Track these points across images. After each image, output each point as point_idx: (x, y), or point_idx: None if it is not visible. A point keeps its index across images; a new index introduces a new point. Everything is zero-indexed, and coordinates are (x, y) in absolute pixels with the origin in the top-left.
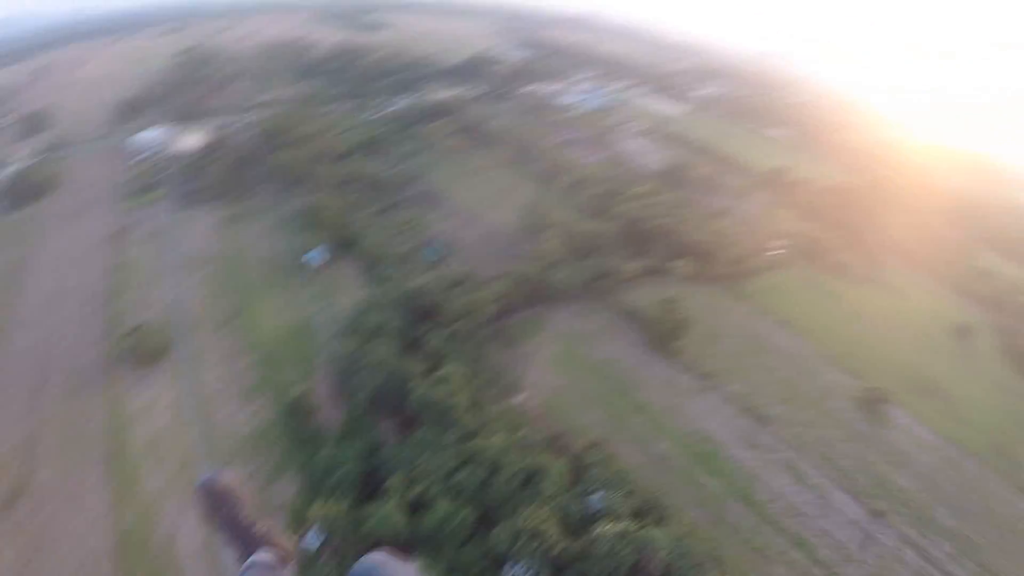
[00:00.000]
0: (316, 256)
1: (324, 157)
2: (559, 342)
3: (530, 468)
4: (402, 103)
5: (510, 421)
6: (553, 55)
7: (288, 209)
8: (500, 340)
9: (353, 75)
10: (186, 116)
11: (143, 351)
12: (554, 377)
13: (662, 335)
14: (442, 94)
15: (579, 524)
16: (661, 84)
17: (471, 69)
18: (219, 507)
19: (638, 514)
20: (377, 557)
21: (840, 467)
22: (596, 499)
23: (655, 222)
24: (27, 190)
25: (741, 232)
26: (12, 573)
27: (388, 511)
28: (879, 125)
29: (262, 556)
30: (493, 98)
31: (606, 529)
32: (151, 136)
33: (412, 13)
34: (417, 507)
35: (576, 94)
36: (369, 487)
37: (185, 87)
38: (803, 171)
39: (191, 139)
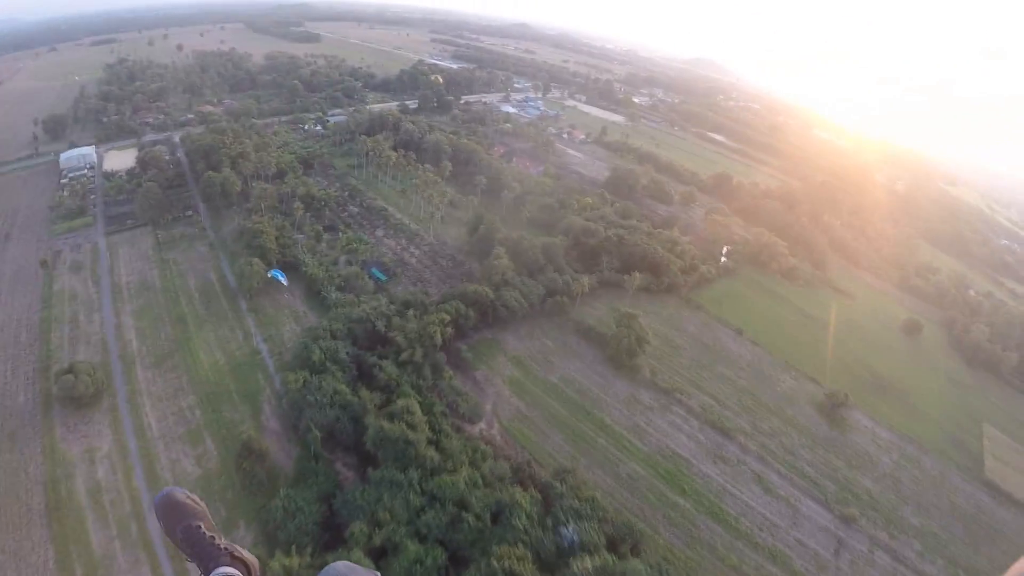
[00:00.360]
0: (280, 274)
1: (260, 175)
2: (516, 364)
3: (499, 503)
4: (339, 117)
5: (473, 452)
6: (489, 65)
7: (224, 232)
8: (455, 365)
9: (288, 88)
10: (115, 133)
11: (79, 392)
12: (514, 401)
13: (620, 352)
14: (379, 107)
15: (555, 559)
16: (598, 92)
17: (407, 80)
18: (178, 521)
19: (613, 543)
20: (341, 565)
21: (807, 475)
22: (569, 531)
23: (604, 235)
24: None
25: (689, 241)
26: None
27: (354, 560)
28: (814, 127)
29: (226, 570)
30: (431, 110)
31: (584, 565)
32: (79, 155)
33: (345, 23)
34: (383, 552)
35: (514, 104)
36: (329, 533)
37: (114, 103)
38: (745, 175)
39: (121, 158)
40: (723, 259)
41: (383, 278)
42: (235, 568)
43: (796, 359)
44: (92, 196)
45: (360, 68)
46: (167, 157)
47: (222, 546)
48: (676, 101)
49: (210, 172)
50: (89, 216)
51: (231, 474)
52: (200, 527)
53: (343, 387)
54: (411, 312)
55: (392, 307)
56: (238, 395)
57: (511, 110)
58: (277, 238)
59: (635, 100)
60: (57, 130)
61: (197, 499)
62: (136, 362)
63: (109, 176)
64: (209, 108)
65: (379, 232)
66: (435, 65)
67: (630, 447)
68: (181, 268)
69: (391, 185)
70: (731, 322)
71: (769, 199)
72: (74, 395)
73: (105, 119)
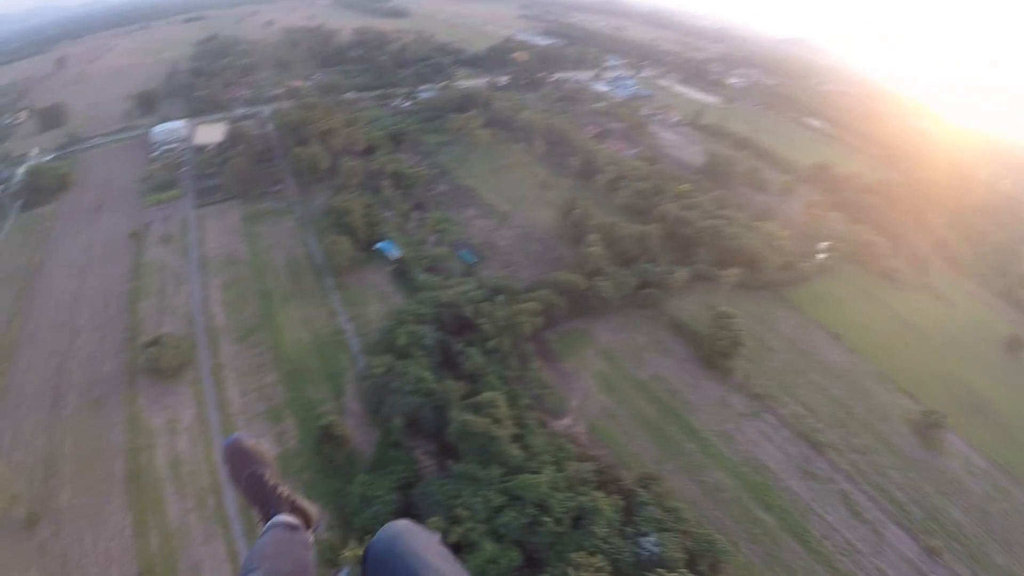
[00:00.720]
0: (389, 247)
1: (348, 152)
2: (605, 358)
3: (580, 507)
4: (428, 93)
5: (557, 451)
6: (580, 42)
7: (312, 208)
8: (542, 355)
9: (376, 64)
10: (205, 108)
11: (163, 365)
12: (601, 398)
13: (714, 353)
14: (469, 83)
15: (632, 571)
16: (692, 72)
17: (497, 57)
18: (244, 467)
19: (693, 558)
20: (401, 524)
21: (895, 499)
22: (650, 543)
23: (700, 225)
24: (43, 187)
25: (788, 235)
26: None
27: None
28: (915, 114)
29: (285, 518)
30: (522, 87)
31: None
32: (169, 129)
33: None
34: (457, 549)
35: (607, 83)
36: None
37: (204, 78)
38: (844, 166)
39: (210, 132)
40: (821, 256)
41: (472, 260)
42: (294, 517)
43: (892, 370)
44: (182, 169)
45: (449, 44)
46: (256, 132)
47: (284, 494)
48: (772, 83)
49: (298, 147)
50: (178, 189)
51: (309, 455)
52: (265, 474)
53: (427, 374)
54: (500, 298)
55: (480, 292)
56: (320, 374)
57: (603, 89)
58: (365, 216)
59: (730, 81)
60: (148, 105)
61: (265, 447)
62: (221, 336)
63: (198, 150)
64: (298, 83)
65: (469, 212)
66: (524, 41)
67: (717, 455)
68: (268, 243)
69: (481, 164)
70: (827, 325)
71: (869, 193)
72: (159, 367)
73: (195, 94)
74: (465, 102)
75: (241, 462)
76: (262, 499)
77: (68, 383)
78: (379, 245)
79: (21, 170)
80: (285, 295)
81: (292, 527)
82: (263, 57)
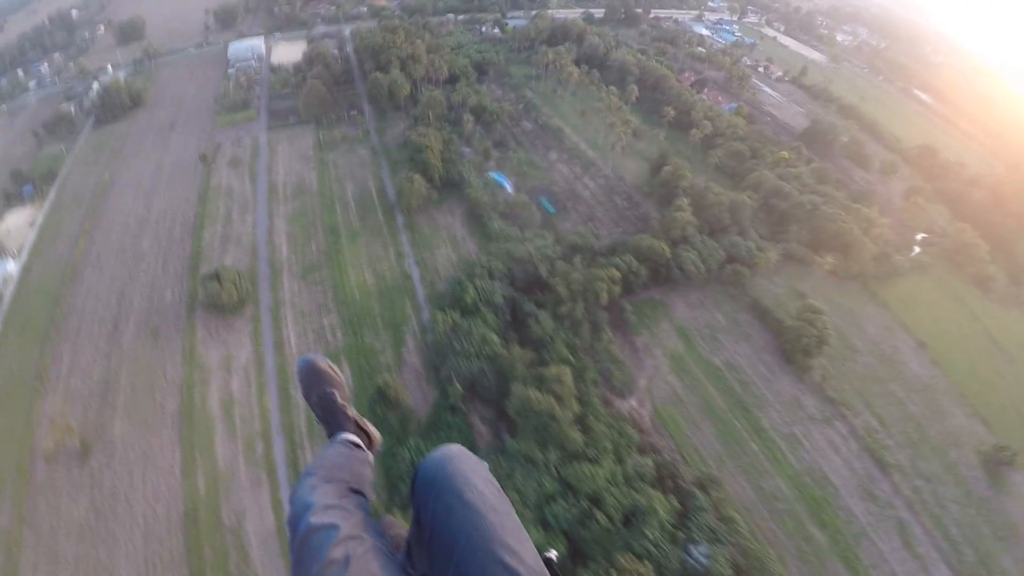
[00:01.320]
0: (503, 179)
1: (431, 79)
2: (680, 335)
3: (635, 505)
4: (518, 21)
5: (619, 437)
6: None
7: (388, 138)
8: (615, 325)
9: None
10: (285, 25)
11: (222, 301)
12: (671, 380)
13: (796, 350)
14: (563, 13)
15: None
16: (798, 24)
17: None
18: (317, 385)
19: (740, 573)
20: (454, 447)
21: (950, 536)
22: (700, 552)
23: (796, 199)
24: (116, 104)
25: (886, 223)
26: (83, 527)
27: None
28: None
29: (349, 435)
30: (618, 22)
31: None
32: (247, 47)
33: None
34: None
35: (708, 26)
36: None
37: None
38: (951, 151)
39: (288, 51)
40: (919, 250)
41: (552, 210)
42: (358, 437)
43: (972, 391)
44: (257, 89)
45: None
46: (335, 52)
47: (350, 415)
48: (881, 46)
49: (377, 73)
50: (252, 110)
51: (363, 409)
52: (335, 394)
53: (493, 336)
54: (577, 259)
55: (557, 249)
56: (382, 321)
57: (704, 32)
58: (443, 152)
59: (838, 38)
60: (228, 20)
61: (337, 370)
62: (284, 270)
63: (275, 69)
64: (383, 2)
65: (552, 156)
66: None
67: (781, 460)
68: (340, 172)
69: (570, 103)
70: (913, 330)
71: (975, 187)
72: (219, 301)
73: (276, 9)
74: (557, 34)
75: (314, 381)
76: (330, 417)
77: (128, 310)
78: (492, 174)
79: (96, 85)
80: (352, 231)
81: (355, 444)
82: None
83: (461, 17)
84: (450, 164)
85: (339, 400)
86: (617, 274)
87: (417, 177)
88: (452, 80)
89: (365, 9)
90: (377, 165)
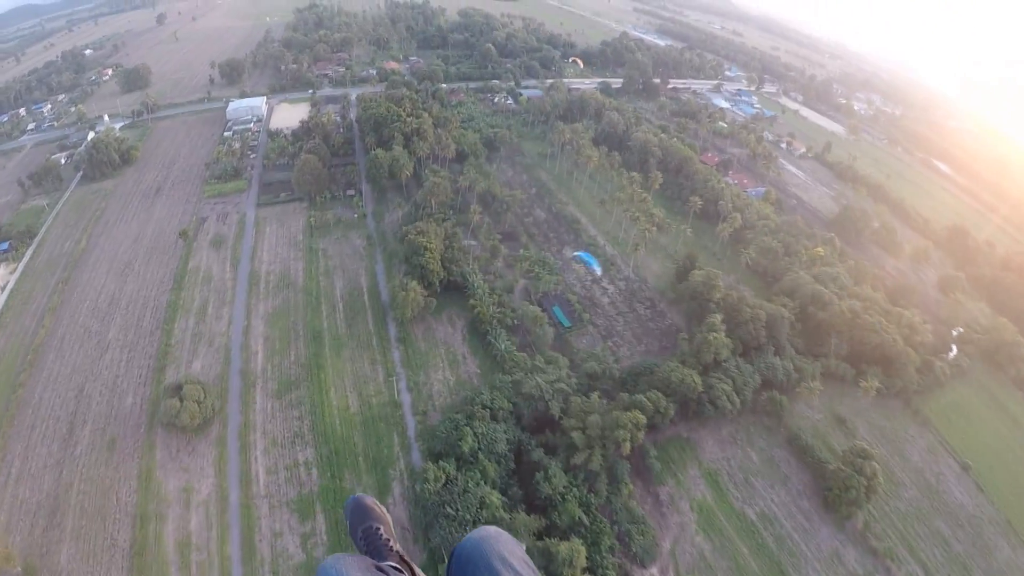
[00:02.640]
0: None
1: (435, 158)
2: (709, 481)
3: None
4: (533, 90)
5: None
6: (697, 45)
7: (386, 225)
8: (637, 472)
9: (480, 51)
10: (291, 84)
11: (183, 423)
12: (698, 541)
13: (841, 500)
14: (578, 83)
15: None
16: (815, 93)
17: (611, 55)
18: (361, 522)
19: None
20: (491, 529)
21: None
22: None
23: (837, 308)
24: (105, 161)
25: (928, 327)
26: None
27: None
28: None
29: (394, 564)
30: (636, 93)
31: None
32: (247, 106)
33: None
34: None
35: (727, 97)
36: None
37: (295, 50)
38: (976, 225)
39: (291, 113)
40: (958, 351)
41: (567, 323)
42: (402, 568)
43: (1018, 516)
44: (251, 156)
45: (559, 35)
46: (338, 119)
47: (394, 548)
48: (897, 113)
49: (379, 150)
50: (243, 180)
51: None
52: (379, 529)
53: (494, 498)
54: (595, 395)
55: (572, 381)
56: (365, 460)
57: (724, 105)
58: (444, 252)
59: (855, 107)
60: (233, 75)
61: (383, 509)
62: (257, 384)
63: (274, 135)
64: (394, 65)
65: (567, 251)
66: (640, 40)
67: None
68: (330, 264)
69: (588, 189)
70: (957, 450)
71: (1008, 270)
72: (184, 417)
73: (283, 67)
74: (574, 108)
75: (359, 517)
76: (373, 550)
77: (86, 412)
78: (578, 254)
79: (91, 136)
80: (338, 340)
81: (398, 570)
82: (360, 32)
83: (473, 85)
84: (452, 264)
85: (383, 534)
86: (642, 418)
87: (414, 284)
88: (460, 157)
89: (375, 72)
90: (371, 258)
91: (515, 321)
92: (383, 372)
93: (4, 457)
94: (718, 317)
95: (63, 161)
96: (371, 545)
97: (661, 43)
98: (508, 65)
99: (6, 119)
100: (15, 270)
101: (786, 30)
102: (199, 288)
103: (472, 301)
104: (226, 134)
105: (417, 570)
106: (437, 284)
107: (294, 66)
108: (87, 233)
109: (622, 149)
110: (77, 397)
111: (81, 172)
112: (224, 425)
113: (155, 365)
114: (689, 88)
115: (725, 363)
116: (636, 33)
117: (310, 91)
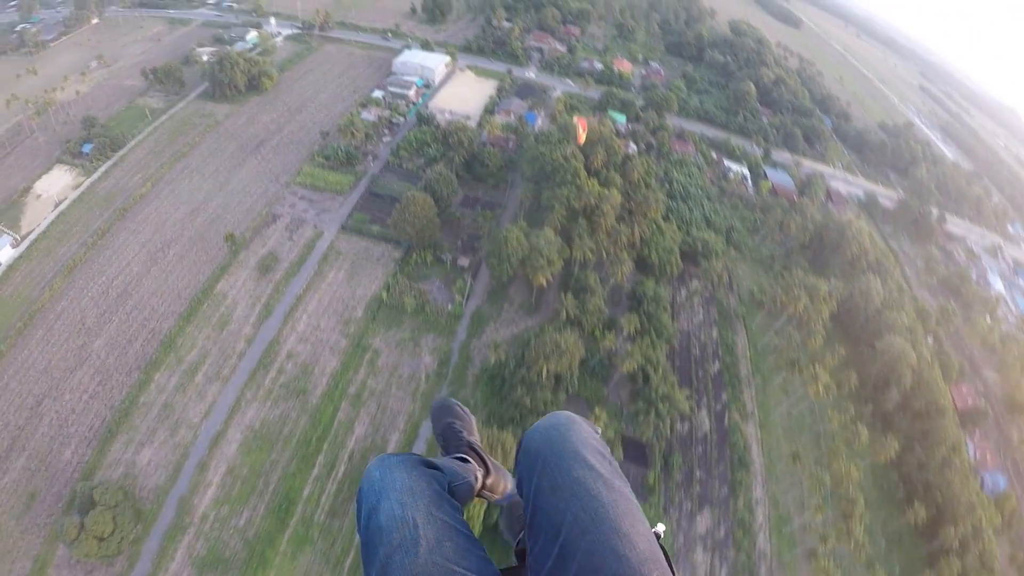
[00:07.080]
0: None
1: (604, 261)
2: None
3: None
4: (781, 175)
5: None
6: (983, 168)
7: (484, 340)
8: None
9: (735, 87)
10: (492, 49)
11: (86, 549)
12: None
13: None
14: (841, 180)
15: None
16: None
17: (891, 154)
18: (443, 419)
19: None
20: (562, 415)
21: None
22: None
23: None
24: (226, 84)
25: None
26: None
27: None
28: None
29: (459, 456)
30: (902, 225)
31: None
32: (420, 64)
33: (830, 16)
34: None
35: (1004, 273)
36: None
37: (521, 5)
38: None
39: (467, 89)
40: None
41: None
42: (471, 459)
43: None
44: (386, 138)
45: (835, 98)
46: (515, 124)
47: (467, 440)
48: None
49: (511, 228)
50: (352, 175)
51: None
52: (459, 425)
53: None
54: None
55: None
56: None
57: (997, 286)
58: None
59: None
60: (436, 12)
61: (468, 411)
62: (186, 535)
63: (426, 118)
64: (627, 66)
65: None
66: (927, 144)
67: None
68: (375, 381)
69: (790, 409)
70: None
71: None
72: (75, 546)
73: (495, 22)
74: (823, 242)
75: (443, 415)
76: (449, 444)
77: (28, 437)
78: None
79: (250, 36)
80: (306, 532)
81: (464, 460)
82: (606, 8)
83: (712, 134)
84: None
85: (462, 430)
86: None
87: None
88: (640, 266)
89: (599, 66)
90: (438, 381)
91: None
92: None
93: None
94: None
95: (204, 58)
96: (447, 441)
97: (948, 154)
98: (765, 120)
99: None
100: (79, 187)
101: None
102: (206, 333)
103: None
104: (376, 93)
105: (489, 458)
106: None
107: (508, 24)
108: (152, 180)
109: (860, 343)
110: (32, 412)
111: (206, 85)
112: (131, 566)
113: (107, 427)
114: (966, 239)
115: None
116: (921, 125)
117: (508, 65)
